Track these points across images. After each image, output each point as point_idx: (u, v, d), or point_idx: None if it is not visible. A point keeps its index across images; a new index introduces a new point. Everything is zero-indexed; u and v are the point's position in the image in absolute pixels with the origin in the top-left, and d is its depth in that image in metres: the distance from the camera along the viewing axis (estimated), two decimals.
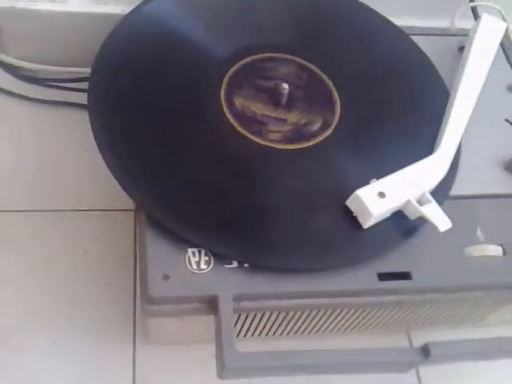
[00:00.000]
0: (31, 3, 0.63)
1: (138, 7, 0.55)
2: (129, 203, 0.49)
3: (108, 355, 0.54)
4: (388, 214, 0.47)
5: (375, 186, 0.46)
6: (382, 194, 0.46)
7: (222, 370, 0.41)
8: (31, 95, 0.67)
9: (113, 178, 0.45)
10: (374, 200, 0.46)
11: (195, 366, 0.53)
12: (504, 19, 0.59)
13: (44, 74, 0.69)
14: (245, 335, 0.52)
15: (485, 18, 0.57)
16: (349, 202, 0.47)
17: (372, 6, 0.60)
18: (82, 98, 0.65)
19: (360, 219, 0.46)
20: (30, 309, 0.55)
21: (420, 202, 0.47)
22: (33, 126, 0.66)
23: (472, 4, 0.63)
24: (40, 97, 0.67)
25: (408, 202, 0.46)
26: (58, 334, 0.55)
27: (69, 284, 0.57)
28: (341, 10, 0.60)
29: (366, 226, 0.46)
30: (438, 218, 0.46)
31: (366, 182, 0.47)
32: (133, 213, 0.60)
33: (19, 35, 0.66)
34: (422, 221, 0.47)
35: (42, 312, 0.55)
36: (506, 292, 0.48)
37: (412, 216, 0.47)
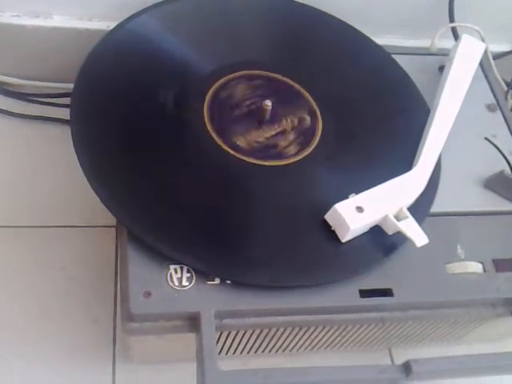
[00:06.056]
0: (15, 18, 0.62)
1: (121, 24, 0.55)
2: (109, 219, 0.48)
3: (87, 376, 0.53)
4: (366, 229, 0.47)
5: (354, 200, 0.47)
6: (360, 209, 0.46)
7: None
8: (12, 109, 0.66)
9: (93, 193, 0.45)
10: (353, 214, 0.46)
11: None
12: (483, 40, 0.61)
13: (26, 89, 0.68)
14: (226, 353, 0.51)
15: (465, 38, 0.58)
16: (327, 216, 0.47)
17: (354, 24, 0.61)
18: (63, 113, 0.65)
19: (338, 233, 0.47)
20: (4, 327, 0.54)
21: (397, 217, 0.47)
22: (12, 140, 0.65)
23: (452, 25, 0.64)
24: (21, 111, 0.66)
25: (385, 217, 0.47)
26: (33, 354, 0.53)
27: (45, 302, 0.56)
28: (322, 29, 0.61)
29: (344, 240, 0.46)
30: (415, 233, 0.46)
31: (345, 197, 0.47)
32: (113, 229, 0.59)
33: (1, 49, 0.65)
34: (404, 238, 0.47)
35: (17, 331, 0.54)
36: (487, 309, 0.49)
37: (390, 231, 0.47)
